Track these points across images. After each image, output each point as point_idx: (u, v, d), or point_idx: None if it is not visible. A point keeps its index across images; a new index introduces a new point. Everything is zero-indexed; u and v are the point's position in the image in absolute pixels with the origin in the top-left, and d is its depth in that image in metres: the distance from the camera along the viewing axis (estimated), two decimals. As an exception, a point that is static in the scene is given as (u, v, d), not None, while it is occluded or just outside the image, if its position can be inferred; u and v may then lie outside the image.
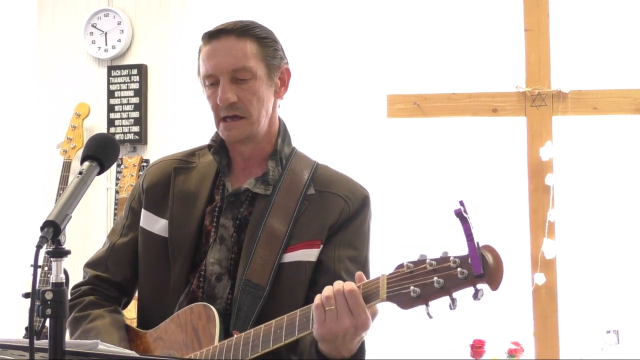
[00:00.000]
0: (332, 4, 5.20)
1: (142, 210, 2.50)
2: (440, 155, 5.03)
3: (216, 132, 2.48)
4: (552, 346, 4.71)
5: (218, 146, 2.46)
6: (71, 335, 2.46)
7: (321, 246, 2.36)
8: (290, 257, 2.35)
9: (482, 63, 4.98)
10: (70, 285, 1.75)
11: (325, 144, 4.98)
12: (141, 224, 2.50)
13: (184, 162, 2.54)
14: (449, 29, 5.05)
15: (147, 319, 2.46)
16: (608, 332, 4.67)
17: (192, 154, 2.57)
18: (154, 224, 2.47)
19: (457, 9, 5.06)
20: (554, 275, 4.72)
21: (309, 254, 2.36)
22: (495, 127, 4.96)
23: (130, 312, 2.83)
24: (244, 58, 2.35)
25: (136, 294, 2.60)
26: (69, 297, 2.48)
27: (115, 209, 5.02)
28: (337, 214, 2.39)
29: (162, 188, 2.50)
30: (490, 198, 4.87)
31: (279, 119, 2.50)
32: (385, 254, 4.00)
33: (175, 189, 2.48)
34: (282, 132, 2.49)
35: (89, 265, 2.59)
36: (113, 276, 2.54)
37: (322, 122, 5.13)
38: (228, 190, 2.43)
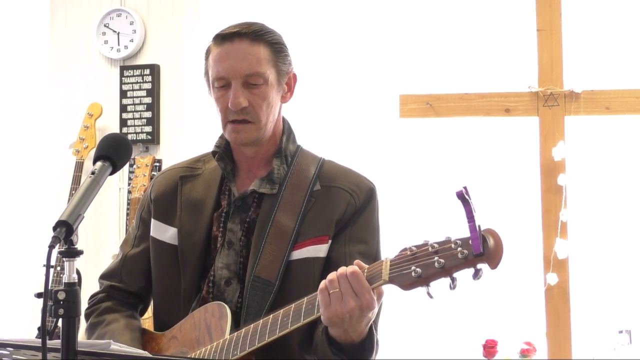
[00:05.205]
0: (345, 4, 5.20)
1: (152, 219, 2.52)
2: (452, 155, 5.03)
3: (219, 138, 2.49)
4: (565, 346, 4.70)
5: (222, 152, 2.47)
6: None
7: (329, 241, 2.37)
8: (299, 254, 2.35)
9: (495, 63, 4.98)
10: (83, 287, 1.75)
11: (338, 144, 4.99)
12: (152, 233, 2.52)
13: (189, 170, 2.55)
14: (461, 29, 5.04)
15: (162, 326, 2.48)
16: (620, 332, 4.67)
17: (198, 160, 2.58)
18: (164, 232, 2.49)
19: (469, 9, 5.05)
20: (566, 275, 4.71)
21: (318, 250, 2.36)
22: (507, 127, 4.96)
23: (147, 311, 2.84)
24: (258, 63, 2.35)
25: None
26: (86, 306, 2.52)
27: (127, 209, 5.02)
28: (344, 208, 2.39)
29: (169, 197, 2.52)
30: (502, 198, 4.87)
31: (283, 119, 2.51)
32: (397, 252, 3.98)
33: (182, 198, 2.50)
34: (287, 131, 2.50)
35: (104, 276, 2.62)
36: (128, 286, 2.57)
37: (334, 122, 5.14)
38: (234, 195, 2.44)
